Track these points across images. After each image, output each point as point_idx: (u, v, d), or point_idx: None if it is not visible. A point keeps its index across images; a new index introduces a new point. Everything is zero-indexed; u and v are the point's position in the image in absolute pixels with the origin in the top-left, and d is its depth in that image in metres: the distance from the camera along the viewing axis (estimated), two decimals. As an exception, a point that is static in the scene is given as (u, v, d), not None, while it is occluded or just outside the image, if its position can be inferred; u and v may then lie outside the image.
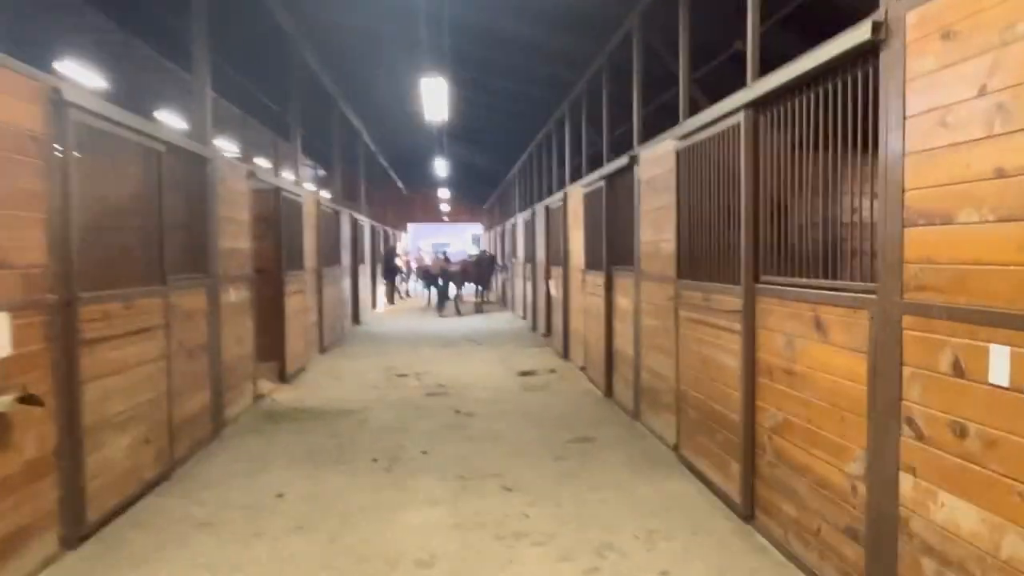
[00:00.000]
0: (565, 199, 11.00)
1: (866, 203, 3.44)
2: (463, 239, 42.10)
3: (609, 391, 8.31)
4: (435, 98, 10.73)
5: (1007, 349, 2.39)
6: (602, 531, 4.36)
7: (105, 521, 4.39)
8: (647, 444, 6.33)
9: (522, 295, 17.49)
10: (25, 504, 3.66)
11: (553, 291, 12.44)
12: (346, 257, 15.03)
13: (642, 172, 6.78)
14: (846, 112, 3.39)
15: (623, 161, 7.29)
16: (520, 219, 17.79)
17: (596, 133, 10.84)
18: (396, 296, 24.97)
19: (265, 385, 8.64)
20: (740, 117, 4.41)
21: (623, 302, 7.69)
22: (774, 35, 4.60)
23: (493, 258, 23.07)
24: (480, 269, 21.17)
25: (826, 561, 3.54)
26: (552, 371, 10.19)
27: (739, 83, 4.62)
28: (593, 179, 8.87)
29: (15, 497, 3.58)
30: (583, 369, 9.81)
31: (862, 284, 3.28)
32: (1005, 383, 2.40)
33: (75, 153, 4.13)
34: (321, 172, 27.06)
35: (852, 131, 3.34)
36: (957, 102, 2.62)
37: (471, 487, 5.20)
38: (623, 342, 7.71)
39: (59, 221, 4.00)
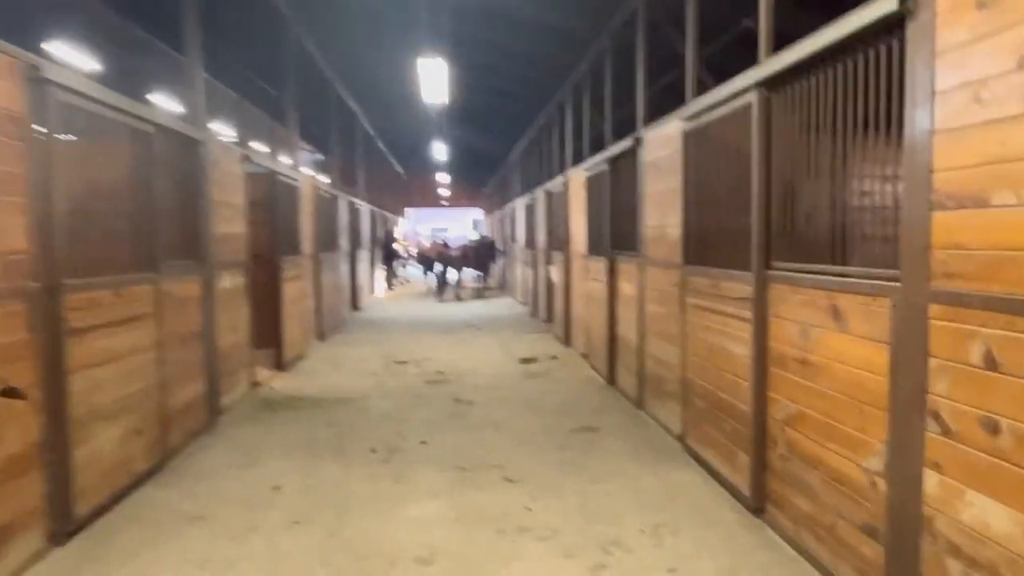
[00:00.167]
0: (566, 183, 10.81)
1: (881, 187, 3.28)
2: (463, 224, 41.85)
3: (612, 379, 8.17)
4: (434, 80, 10.51)
5: (1047, 341, 2.23)
6: (607, 525, 4.23)
7: (95, 515, 4.25)
8: (651, 433, 6.20)
9: (522, 280, 17.32)
10: (8, 500, 3.52)
11: (554, 277, 12.28)
12: (344, 242, 14.85)
13: (647, 154, 6.59)
14: (867, 90, 3.21)
15: (627, 143, 7.10)
16: (520, 204, 17.59)
17: (598, 115, 10.63)
18: (395, 281, 24.81)
19: (262, 373, 8.50)
20: (752, 96, 4.22)
21: (626, 288, 7.53)
22: (787, 11, 4.40)
23: (493, 243, 22.87)
24: (480, 254, 20.98)
25: (842, 559, 3.40)
26: (553, 358, 10.05)
27: (747, 64, 4.44)
28: (596, 162, 8.68)
29: (-3, 493, 3.44)
30: (585, 356, 9.67)
31: (884, 271, 3.11)
32: (1044, 377, 2.25)
33: (57, 134, 3.95)
34: (319, 156, 26.82)
35: (875, 110, 3.16)
36: (993, 76, 2.44)
37: (472, 478, 5.07)
38: (626, 329, 7.56)
39: (41, 206, 3.82)
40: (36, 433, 3.77)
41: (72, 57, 12.51)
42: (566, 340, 11.14)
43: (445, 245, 21.36)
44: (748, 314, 4.32)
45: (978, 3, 2.51)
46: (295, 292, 9.97)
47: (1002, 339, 2.40)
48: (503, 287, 22.78)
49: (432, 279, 22.69)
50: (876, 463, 3.12)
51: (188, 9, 6.77)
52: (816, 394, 3.64)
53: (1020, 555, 2.34)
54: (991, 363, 2.45)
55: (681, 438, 5.66)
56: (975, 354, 2.52)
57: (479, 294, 20.66)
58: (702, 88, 5.58)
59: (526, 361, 9.80)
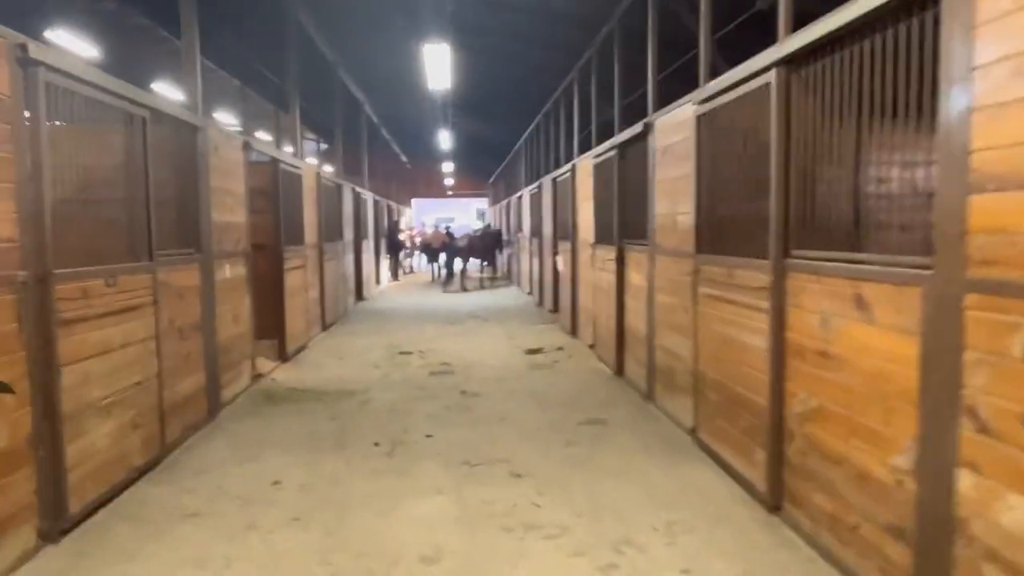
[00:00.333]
0: (573, 171, 10.62)
1: (911, 170, 3.10)
2: (468, 214, 41.66)
3: (620, 370, 8.01)
4: (438, 65, 10.32)
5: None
6: (618, 522, 4.08)
7: (88, 513, 4.12)
8: (662, 427, 6.04)
9: (528, 270, 17.15)
10: (-3, 498, 3.39)
11: (561, 266, 12.11)
12: (349, 232, 14.70)
13: (658, 140, 6.40)
14: (896, 67, 3.02)
15: (637, 129, 6.91)
16: (526, 193, 17.40)
17: (606, 102, 10.43)
18: (400, 272, 24.67)
19: (265, 364, 8.37)
20: (771, 76, 4.03)
21: (635, 278, 7.36)
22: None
23: (499, 233, 22.68)
24: (485, 244, 20.79)
25: (865, 560, 3.24)
26: (560, 349, 9.89)
27: (758, 48, 4.25)
28: (604, 149, 8.49)
29: (-15, 491, 3.31)
30: (592, 347, 9.51)
31: (914, 258, 2.94)
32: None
33: (46, 117, 3.79)
34: (323, 146, 26.63)
35: (904, 89, 2.98)
36: (1041, 46, 2.26)
37: (478, 474, 4.93)
38: (635, 319, 7.40)
39: (30, 191, 3.68)
40: (26, 428, 3.64)
41: (72, 45, 12.36)
42: (573, 331, 10.98)
43: (449, 235, 21.16)
44: (765, 304, 4.15)
45: (1024, -32, 2.32)
46: (298, 282, 9.83)
47: (1049, 331, 2.23)
48: (509, 277, 22.62)
49: (436, 269, 22.56)
50: (904, 461, 2.95)
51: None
52: (838, 387, 3.47)
53: (1066, 563, 2.18)
54: (1035, 357, 2.28)
55: (693, 432, 5.50)
56: (1018, 347, 2.35)
57: (484, 284, 20.50)
58: (715, 72, 5.39)
59: (532, 352, 9.64)
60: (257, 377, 7.86)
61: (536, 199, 15.14)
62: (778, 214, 4.03)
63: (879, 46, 3.15)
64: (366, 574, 3.53)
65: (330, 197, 12.59)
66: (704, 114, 5.18)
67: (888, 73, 3.08)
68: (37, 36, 10.47)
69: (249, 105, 18.69)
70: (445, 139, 23.54)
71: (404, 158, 34.70)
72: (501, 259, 22.84)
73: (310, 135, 24.75)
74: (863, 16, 3.18)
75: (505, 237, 22.65)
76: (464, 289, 19.19)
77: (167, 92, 16.02)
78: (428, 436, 5.81)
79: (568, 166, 11.11)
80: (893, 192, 3.30)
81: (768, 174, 4.14)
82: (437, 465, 5.09)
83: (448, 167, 35.14)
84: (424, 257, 23.88)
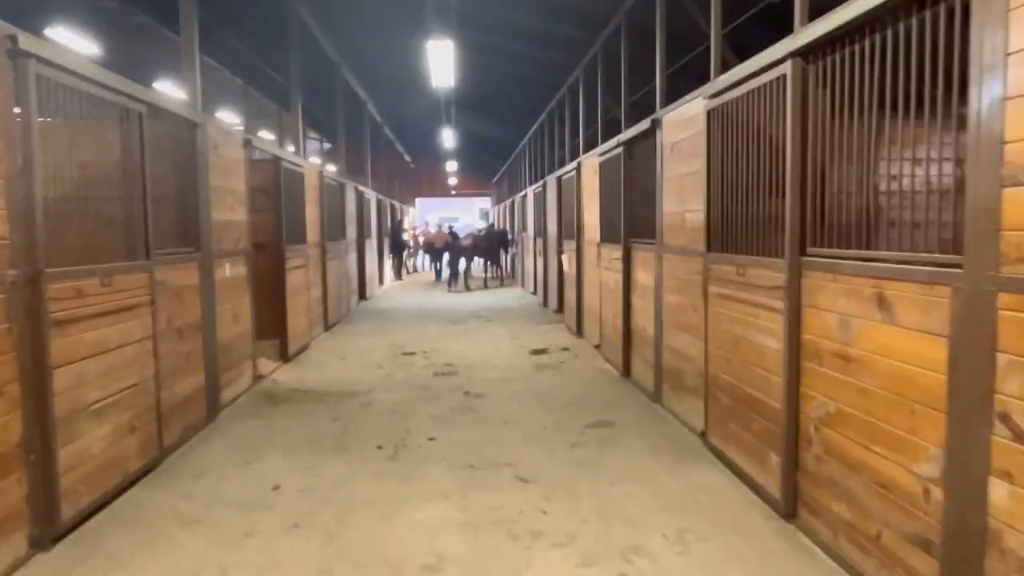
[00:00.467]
0: (579, 169, 10.48)
1: (938, 164, 2.97)
2: (472, 213, 41.53)
3: (627, 371, 7.87)
4: (442, 62, 10.19)
5: None
6: (627, 530, 3.95)
7: (82, 519, 4.01)
8: (670, 429, 5.91)
9: (532, 270, 17.02)
10: (-15, 505, 3.28)
11: (566, 266, 11.97)
12: (351, 231, 14.58)
13: (666, 136, 6.26)
14: (922, 57, 2.88)
15: (644, 125, 6.77)
16: (530, 192, 17.26)
17: (612, 100, 10.30)
18: (404, 271, 24.55)
19: (266, 365, 8.25)
20: (786, 68, 3.89)
21: (643, 277, 7.22)
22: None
23: (503, 232, 22.52)
24: (490, 243, 20.65)
25: (889, 571, 3.10)
26: (565, 349, 9.76)
27: (768, 43, 4.12)
28: (610, 146, 8.35)
29: (-28, 498, 3.20)
30: (598, 347, 9.37)
31: (941, 256, 2.80)
32: None
33: (37, 111, 3.67)
34: (327, 145, 26.53)
35: (931, 79, 2.84)
36: (1084, 30, 2.12)
37: (482, 478, 4.80)
38: (642, 319, 7.26)
39: (20, 188, 3.56)
40: (16, 432, 3.52)
41: (74, 43, 12.27)
42: (578, 331, 10.85)
43: (452, 235, 21.02)
44: (780, 304, 4.01)
45: (1065, -53, 2.18)
46: (300, 281, 9.72)
47: (1093, 333, 2.10)
48: (512, 276, 22.48)
49: (439, 269, 22.43)
50: (930, 469, 2.82)
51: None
52: (858, 391, 3.33)
53: (1112, 580, 2.05)
54: (1077, 360, 2.14)
55: (703, 435, 5.37)
56: (1057, 350, 2.21)
57: (488, 284, 20.36)
58: (726, 66, 5.25)
59: (537, 352, 9.51)
60: (258, 378, 7.74)
61: (540, 198, 15.01)
62: (794, 210, 3.89)
63: (902, 34, 3.01)
64: (367, 584, 3.41)
65: (333, 196, 12.48)
66: (715, 108, 5.04)
67: (913, 63, 2.94)
68: (36, 34, 10.38)
69: (252, 104, 18.60)
70: (448, 138, 23.41)
71: (407, 157, 34.60)
72: (506, 259, 22.69)
73: (313, 134, 24.66)
74: (885, 2, 3.04)
75: (510, 236, 22.49)
76: (468, 289, 19.06)
77: (170, 91, 15.91)
78: (431, 439, 5.68)
79: (573, 164, 10.97)
80: (916, 188, 3.16)
81: (783, 170, 4.01)
82: (441, 468, 4.97)
83: (452, 166, 35.01)
84: (427, 257, 23.76)
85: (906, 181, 3.23)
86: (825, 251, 3.68)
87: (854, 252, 3.43)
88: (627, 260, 7.72)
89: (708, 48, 5.63)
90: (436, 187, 41.09)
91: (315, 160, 21.46)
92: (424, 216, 39.47)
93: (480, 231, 22.57)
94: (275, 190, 8.78)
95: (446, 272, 20.60)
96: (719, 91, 4.94)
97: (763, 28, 6.52)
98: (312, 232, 10.55)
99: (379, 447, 5.47)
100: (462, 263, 19.57)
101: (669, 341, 6.34)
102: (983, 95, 2.49)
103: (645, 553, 3.67)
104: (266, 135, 21.56)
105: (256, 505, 4.34)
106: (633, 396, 7.12)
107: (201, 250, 6.03)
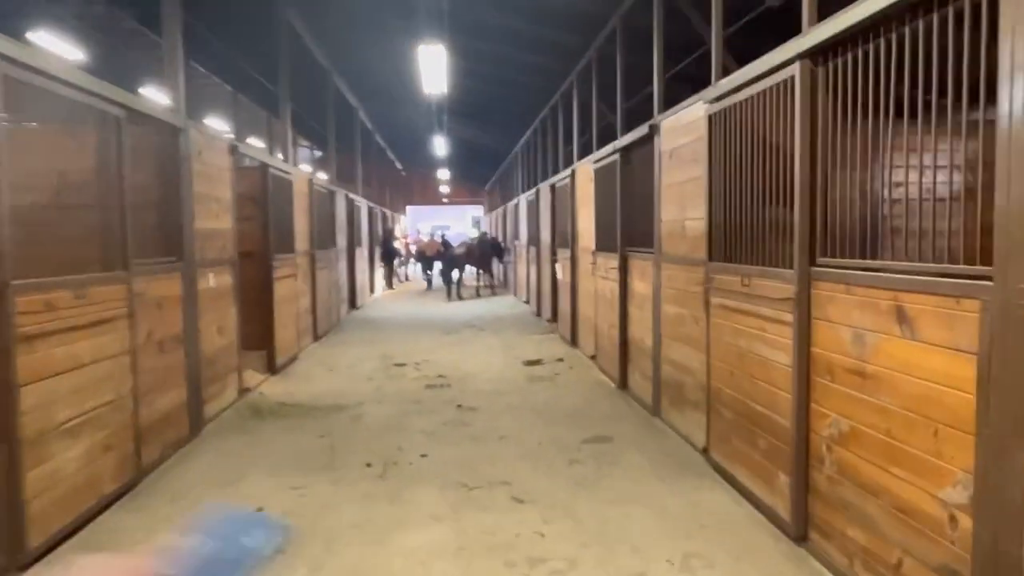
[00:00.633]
0: (573, 176, 10.32)
1: (961, 171, 2.80)
2: (464, 221, 41.34)
3: (623, 383, 7.69)
4: (434, 69, 10.02)
5: None
6: (631, 555, 3.75)
7: (52, 546, 3.77)
8: (671, 445, 5.71)
9: (525, 278, 16.83)
10: (-58, 535, 3.05)
11: (560, 275, 11.79)
12: (342, 239, 14.36)
13: (664, 142, 6.09)
14: (944, 57, 2.72)
15: (642, 131, 6.61)
16: (523, 199, 17.10)
17: (607, 106, 10.15)
18: (395, 280, 24.31)
19: (252, 377, 8.01)
20: (794, 69, 3.73)
21: (640, 287, 7.04)
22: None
23: (496, 241, 22.32)
24: (482, 252, 20.45)
25: (910, 603, 2.92)
26: (560, 360, 9.56)
27: (768, 49, 3.97)
28: (605, 153, 8.18)
29: (-72, 528, 2.97)
30: (593, 358, 9.18)
31: (968, 267, 2.63)
32: None
33: (5, 114, 3.47)
34: (318, 153, 26.31)
35: (954, 80, 2.67)
36: None
37: (476, 498, 4.59)
38: (640, 330, 7.08)
39: (-15, 195, 3.35)
40: (-21, 455, 3.30)
41: (57, 48, 12.02)
42: (572, 341, 10.65)
43: (444, 243, 20.80)
44: (789, 316, 3.83)
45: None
46: (288, 291, 9.49)
47: None
48: (505, 285, 22.28)
49: (432, 278, 22.21)
50: (958, 495, 2.63)
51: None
52: (874, 409, 3.15)
53: None
54: None
55: (705, 451, 5.18)
56: (1105, 370, 2.03)
57: (480, 293, 20.15)
58: (726, 70, 5.09)
59: (531, 363, 9.31)
60: (244, 391, 7.50)
61: (533, 206, 14.84)
62: (803, 219, 3.72)
63: (919, 33, 2.84)
64: (355, 617, 3.19)
65: (323, 204, 12.26)
66: (716, 113, 4.87)
67: (934, 64, 2.77)
68: (17, 39, 10.13)
69: (241, 111, 18.37)
70: (440, 145, 23.22)
71: (399, 165, 34.40)
72: (499, 268, 22.48)
73: (304, 142, 24.43)
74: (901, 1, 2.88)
75: (504, 245, 22.29)
76: (459, 298, 18.85)
77: (157, 97, 15.68)
78: (423, 455, 5.47)
79: (567, 171, 10.81)
80: (935, 195, 2.99)
81: (790, 176, 3.84)
82: (433, 488, 4.75)
83: (443, 174, 34.82)
84: (419, 266, 23.54)
85: (926, 188, 3.06)
86: (837, 261, 3.51)
87: (869, 263, 3.25)
88: (624, 269, 7.55)
89: (704, 55, 5.49)
90: (428, 195, 40.89)
91: (306, 168, 21.24)
92: (416, 224, 39.26)
93: (472, 239, 22.37)
94: (263, 198, 8.57)
95: (437, 281, 20.38)
96: (721, 95, 4.77)
97: (763, 33, 6.36)
98: (301, 240, 10.33)
99: (368, 465, 5.25)
100: (455, 272, 19.36)
101: (668, 353, 6.16)
102: (1012, 96, 2.33)
103: (649, 581, 3.48)
104: (255, 142, 21.32)
105: (238, 529, 4.11)
106: (631, 409, 6.92)
107: (184, 259, 5.81)
